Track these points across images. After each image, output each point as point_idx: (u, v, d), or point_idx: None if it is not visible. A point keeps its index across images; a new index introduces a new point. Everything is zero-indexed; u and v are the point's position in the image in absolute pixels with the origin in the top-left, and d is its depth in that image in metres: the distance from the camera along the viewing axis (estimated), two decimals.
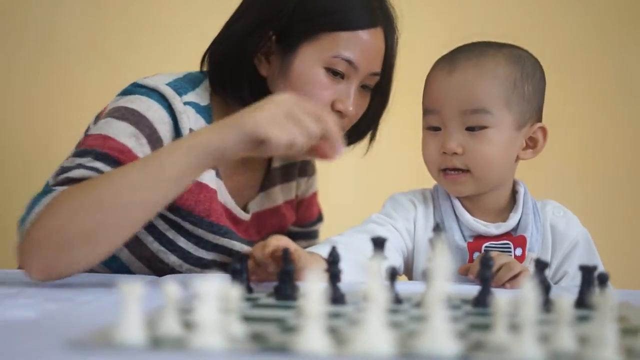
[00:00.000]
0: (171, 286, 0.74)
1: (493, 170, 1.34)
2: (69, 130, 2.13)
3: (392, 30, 1.42)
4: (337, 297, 1.00)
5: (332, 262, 1.02)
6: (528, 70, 1.35)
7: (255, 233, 1.52)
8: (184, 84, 1.39)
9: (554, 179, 2.35)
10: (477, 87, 1.31)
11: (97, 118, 1.45)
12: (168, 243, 1.41)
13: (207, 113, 1.40)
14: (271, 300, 1.02)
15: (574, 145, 2.39)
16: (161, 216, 1.38)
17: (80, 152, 1.27)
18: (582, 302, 1.02)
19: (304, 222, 1.66)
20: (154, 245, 1.41)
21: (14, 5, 2.26)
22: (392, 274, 1.00)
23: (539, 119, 1.38)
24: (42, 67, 2.25)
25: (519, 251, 1.34)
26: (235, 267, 1.07)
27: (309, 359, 0.68)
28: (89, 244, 1.12)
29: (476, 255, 1.34)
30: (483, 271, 1.03)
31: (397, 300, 1.01)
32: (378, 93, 1.45)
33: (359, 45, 1.35)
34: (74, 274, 1.16)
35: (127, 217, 1.13)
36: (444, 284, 0.70)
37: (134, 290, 0.71)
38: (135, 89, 1.36)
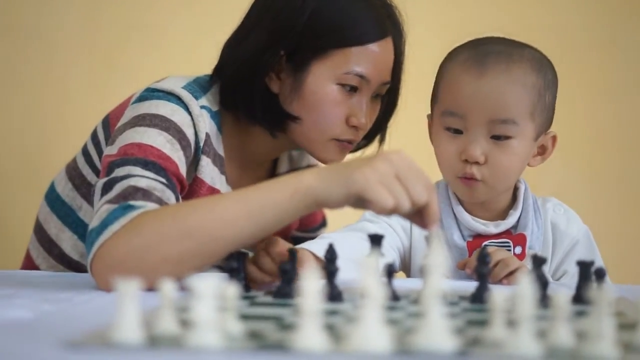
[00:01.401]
0: (167, 285, 0.74)
1: (508, 181, 1.33)
2: (69, 132, 2.13)
3: (400, 35, 1.41)
4: (334, 295, 1.00)
5: (330, 260, 1.02)
6: (549, 79, 1.33)
7: None
8: (197, 87, 1.37)
9: (556, 174, 2.35)
10: (507, 96, 1.28)
11: (108, 124, 1.43)
12: None
13: (218, 119, 1.39)
14: (268, 299, 1.02)
15: (578, 142, 2.39)
16: None
17: (121, 161, 1.23)
18: (579, 297, 1.02)
19: (307, 227, 1.65)
20: None
21: (14, 5, 2.26)
22: (389, 271, 1.00)
23: (550, 126, 1.37)
24: (43, 67, 2.25)
25: (518, 249, 1.33)
26: (232, 265, 1.07)
27: (307, 356, 0.68)
28: (172, 270, 1.07)
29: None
30: (480, 267, 1.03)
31: (395, 297, 1.01)
32: (387, 97, 1.44)
33: (370, 59, 1.34)
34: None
35: (216, 250, 1.10)
36: (441, 280, 0.70)
37: (130, 290, 0.71)
38: (152, 93, 1.34)
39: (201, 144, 1.33)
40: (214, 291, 0.71)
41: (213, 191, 1.37)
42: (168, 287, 0.74)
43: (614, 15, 2.42)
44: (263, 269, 1.13)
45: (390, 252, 1.35)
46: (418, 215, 1.07)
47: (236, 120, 1.41)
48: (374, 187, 1.03)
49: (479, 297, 1.01)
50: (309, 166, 1.59)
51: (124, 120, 1.33)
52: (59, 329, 0.79)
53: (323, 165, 1.36)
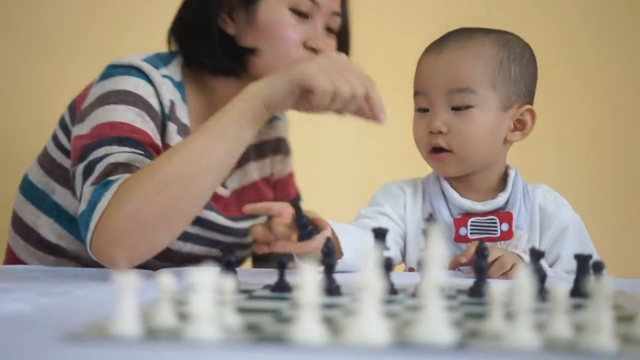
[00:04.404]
0: (165, 278, 0.74)
1: (476, 150, 1.35)
2: None
3: None
4: (332, 289, 1.00)
5: (327, 254, 1.02)
6: (516, 52, 1.37)
7: (236, 209, 1.54)
8: (157, 60, 1.42)
9: (554, 169, 2.35)
10: (462, 66, 1.34)
11: (74, 108, 1.46)
12: None
13: (181, 89, 1.43)
14: (266, 292, 1.02)
15: (577, 137, 2.39)
16: None
17: (96, 143, 1.26)
18: (577, 290, 1.02)
19: (283, 201, 1.68)
20: None
21: (14, 5, 2.26)
22: (388, 265, 1.00)
23: (529, 102, 1.39)
24: (42, 67, 2.25)
25: (505, 226, 1.35)
26: (229, 259, 1.07)
27: (305, 349, 0.68)
28: (170, 221, 1.16)
29: (462, 231, 1.34)
30: (478, 261, 1.03)
31: (393, 290, 1.01)
32: (339, 37, 1.48)
33: None
34: (158, 252, 1.20)
35: (202, 185, 1.17)
36: (439, 273, 0.70)
37: (128, 283, 0.71)
38: (114, 70, 1.38)
39: (167, 111, 1.37)
40: (211, 284, 0.71)
41: None
42: (166, 281, 0.74)
43: (613, 12, 2.43)
44: (275, 233, 1.18)
45: (393, 245, 1.36)
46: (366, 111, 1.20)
47: (200, 89, 1.46)
48: (314, 74, 1.16)
49: (477, 291, 1.01)
50: (278, 139, 1.63)
51: (90, 99, 1.36)
52: (58, 322, 0.79)
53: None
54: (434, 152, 1.36)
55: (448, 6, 2.36)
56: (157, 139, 1.33)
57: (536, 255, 1.03)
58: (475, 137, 1.34)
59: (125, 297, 0.71)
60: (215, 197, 1.49)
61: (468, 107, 1.33)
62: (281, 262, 1.04)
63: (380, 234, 1.03)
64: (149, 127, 1.32)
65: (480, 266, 1.03)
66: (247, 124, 1.19)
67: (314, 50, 1.40)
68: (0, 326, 0.79)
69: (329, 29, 1.44)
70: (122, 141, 1.26)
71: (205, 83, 1.47)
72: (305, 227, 1.17)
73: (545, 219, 1.39)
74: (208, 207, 1.45)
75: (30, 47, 2.24)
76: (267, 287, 1.06)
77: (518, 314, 0.70)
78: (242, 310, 0.82)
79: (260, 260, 1.68)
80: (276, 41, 1.39)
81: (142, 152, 1.26)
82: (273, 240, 1.19)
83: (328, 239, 1.04)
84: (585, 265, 1.04)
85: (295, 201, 1.16)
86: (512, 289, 0.70)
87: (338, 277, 1.02)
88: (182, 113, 1.42)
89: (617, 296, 1.01)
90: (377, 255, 0.69)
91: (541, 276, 1.02)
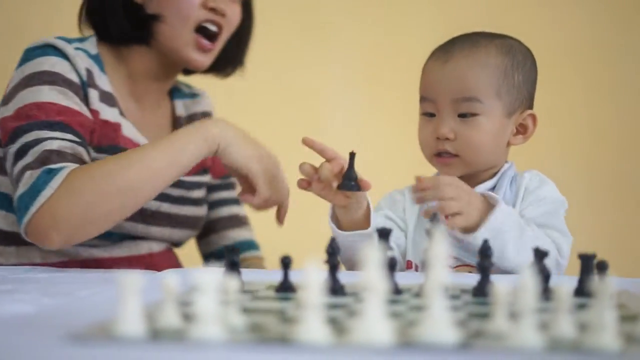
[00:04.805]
0: (170, 279, 0.74)
1: (482, 155, 1.38)
2: None
3: None
4: (336, 289, 1.00)
5: (331, 254, 1.02)
6: (519, 60, 1.40)
7: None
8: (70, 38, 1.50)
9: (555, 171, 2.35)
10: (468, 76, 1.37)
11: (5, 100, 1.49)
12: None
13: (98, 61, 1.51)
14: (270, 293, 1.02)
15: (578, 139, 2.39)
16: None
17: (27, 126, 1.36)
18: (581, 290, 1.02)
19: (222, 174, 1.75)
20: None
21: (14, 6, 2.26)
22: (391, 265, 1.00)
23: (530, 106, 1.42)
24: None
25: None
26: (233, 259, 1.07)
27: (309, 349, 0.68)
28: (110, 221, 1.33)
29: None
30: (482, 261, 1.03)
31: (397, 290, 1.01)
32: (244, 9, 1.58)
33: None
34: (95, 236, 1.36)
35: (149, 197, 1.36)
36: (443, 273, 0.70)
37: (132, 283, 0.71)
38: (30, 53, 1.46)
39: (85, 79, 1.45)
40: (215, 285, 0.71)
41: (104, 124, 1.47)
42: (170, 281, 0.74)
43: (617, 14, 2.43)
44: (320, 174, 1.29)
45: (394, 247, 1.37)
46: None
47: (118, 61, 1.54)
48: (262, 177, 1.37)
49: (481, 291, 1.01)
50: (205, 112, 1.72)
51: (13, 82, 1.44)
52: (61, 323, 0.79)
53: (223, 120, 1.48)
54: (440, 155, 1.38)
55: (451, 7, 2.37)
56: (84, 111, 1.43)
57: (540, 254, 1.03)
58: (481, 143, 1.37)
59: (129, 298, 0.71)
60: None
61: (474, 114, 1.36)
62: (285, 262, 1.04)
63: (384, 234, 1.04)
64: (74, 102, 1.41)
65: (484, 265, 1.03)
66: (199, 159, 1.37)
67: (214, 10, 1.50)
68: (3, 327, 0.79)
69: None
70: (52, 126, 1.36)
71: (120, 54, 1.55)
72: (350, 179, 1.25)
73: (526, 195, 1.39)
74: None
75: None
76: (270, 287, 1.06)
77: (522, 314, 0.70)
78: (247, 311, 0.82)
79: (201, 237, 1.75)
80: (177, 4, 1.49)
81: (73, 137, 1.36)
82: (316, 180, 1.29)
83: (332, 239, 1.03)
84: (589, 265, 1.04)
85: (353, 154, 1.26)
86: (516, 288, 0.70)
87: (342, 277, 1.02)
88: (103, 82, 1.50)
89: (621, 295, 1.01)
90: (380, 255, 0.69)
91: (545, 276, 1.01)
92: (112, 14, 1.52)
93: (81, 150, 1.37)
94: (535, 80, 1.43)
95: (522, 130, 1.41)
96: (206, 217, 1.70)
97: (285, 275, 1.03)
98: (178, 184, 1.56)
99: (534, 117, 1.41)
